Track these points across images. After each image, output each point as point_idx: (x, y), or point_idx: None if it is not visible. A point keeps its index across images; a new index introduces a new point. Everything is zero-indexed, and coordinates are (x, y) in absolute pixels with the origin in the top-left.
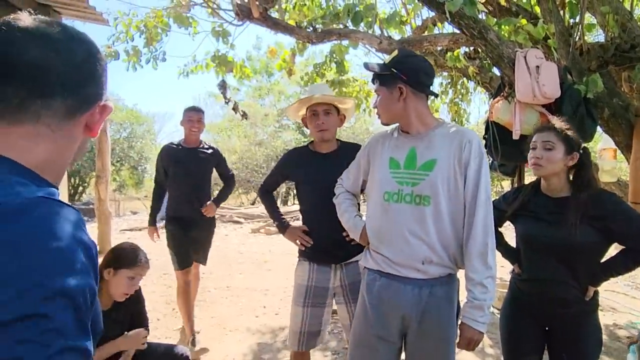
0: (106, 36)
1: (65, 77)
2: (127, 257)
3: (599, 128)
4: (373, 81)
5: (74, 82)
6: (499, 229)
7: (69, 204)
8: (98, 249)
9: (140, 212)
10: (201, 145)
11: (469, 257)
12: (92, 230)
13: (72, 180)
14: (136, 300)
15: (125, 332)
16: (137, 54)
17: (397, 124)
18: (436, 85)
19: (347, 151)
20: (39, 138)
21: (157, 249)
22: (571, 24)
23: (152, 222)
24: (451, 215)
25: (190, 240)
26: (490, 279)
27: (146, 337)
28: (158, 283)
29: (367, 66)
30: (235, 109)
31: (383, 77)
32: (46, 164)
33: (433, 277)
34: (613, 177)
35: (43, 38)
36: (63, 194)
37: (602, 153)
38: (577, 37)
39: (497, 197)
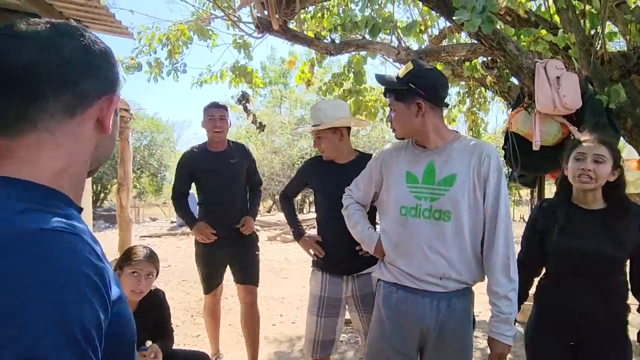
0: (130, 49)
1: (53, 75)
2: (127, 255)
3: (621, 139)
4: (386, 94)
5: (64, 78)
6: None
7: (73, 229)
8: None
9: (159, 218)
10: (228, 147)
11: (492, 271)
12: (113, 236)
13: (94, 187)
14: (158, 306)
15: (148, 342)
16: (159, 66)
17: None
18: (453, 94)
19: (365, 162)
20: (42, 145)
21: (175, 256)
22: (592, 33)
23: (194, 219)
24: (471, 230)
25: (222, 260)
26: (513, 291)
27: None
28: (177, 290)
29: (381, 79)
30: (254, 121)
31: (399, 91)
32: (59, 174)
33: (451, 290)
34: (637, 188)
35: (29, 39)
36: (86, 201)
37: (626, 164)
38: (599, 47)
39: (524, 231)
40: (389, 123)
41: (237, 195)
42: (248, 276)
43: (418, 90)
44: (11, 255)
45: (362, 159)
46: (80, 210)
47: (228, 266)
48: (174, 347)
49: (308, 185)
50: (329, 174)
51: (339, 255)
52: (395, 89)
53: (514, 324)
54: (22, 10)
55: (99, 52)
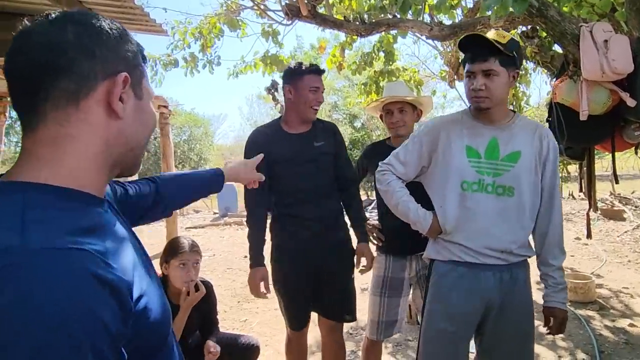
0: (166, 46)
1: (50, 61)
2: (172, 248)
3: None
4: (484, 59)
5: (60, 63)
6: None
7: (80, 243)
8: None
9: (202, 210)
10: (313, 128)
11: (550, 245)
12: (160, 229)
13: None
14: (207, 296)
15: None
16: (194, 60)
17: (464, 110)
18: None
19: None
20: (55, 140)
21: (219, 245)
22: None
23: (256, 261)
24: (531, 206)
25: (311, 284)
26: (563, 262)
27: (215, 353)
28: (223, 277)
29: (489, 41)
30: (282, 111)
31: (504, 57)
32: (76, 169)
33: (512, 262)
34: None
35: (28, 34)
36: None
37: None
38: None
39: None
40: (475, 92)
41: (326, 190)
42: (343, 308)
43: (517, 61)
44: (14, 279)
45: None
46: (101, 202)
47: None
48: (224, 331)
49: (368, 171)
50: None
51: (401, 236)
52: (502, 53)
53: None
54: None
55: (98, 33)
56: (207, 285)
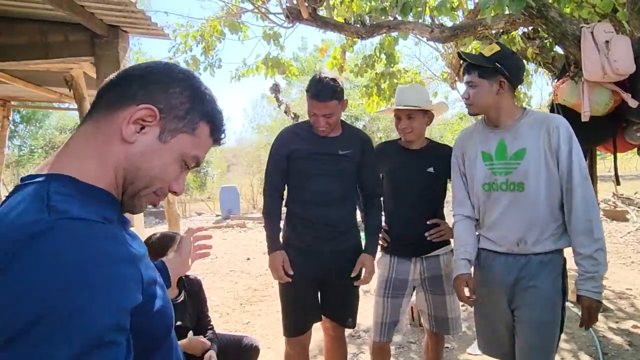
0: (167, 48)
1: (118, 78)
2: (154, 249)
3: None
4: (467, 71)
5: (122, 81)
6: None
7: (104, 219)
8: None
9: (204, 212)
10: (342, 135)
11: (574, 234)
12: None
13: None
14: (196, 295)
15: (190, 333)
16: (196, 63)
17: (479, 119)
18: None
19: (435, 150)
20: (89, 137)
21: (222, 248)
22: None
23: (274, 245)
24: (549, 198)
25: (316, 288)
26: (600, 251)
27: (206, 350)
28: (225, 280)
29: (469, 56)
30: (287, 111)
31: (485, 69)
32: (97, 170)
33: (529, 252)
34: None
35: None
36: None
37: None
38: None
39: None
40: (464, 99)
41: (344, 196)
42: (345, 313)
43: (503, 70)
44: (47, 245)
45: (433, 146)
46: (117, 201)
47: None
48: (225, 332)
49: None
50: (401, 159)
51: (406, 238)
52: (481, 66)
53: (601, 281)
54: (68, 21)
55: (165, 75)
56: (198, 280)
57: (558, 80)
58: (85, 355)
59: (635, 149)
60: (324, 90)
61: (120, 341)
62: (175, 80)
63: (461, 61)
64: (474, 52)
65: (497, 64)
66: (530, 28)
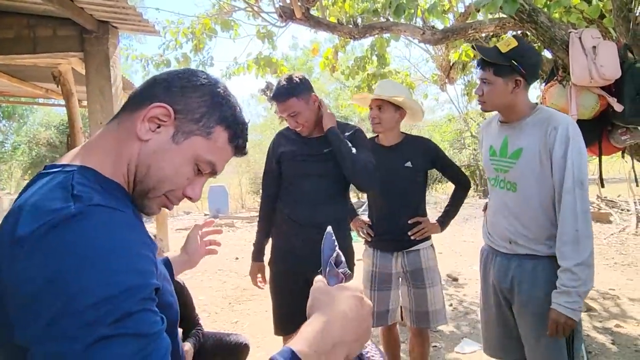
0: (157, 45)
1: (147, 82)
2: None
3: None
4: (482, 67)
5: (149, 85)
6: None
7: (126, 208)
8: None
9: (192, 211)
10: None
11: (559, 242)
12: (150, 230)
13: None
14: (179, 292)
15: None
16: (187, 61)
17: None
18: None
19: (411, 145)
20: (108, 134)
21: None
22: None
23: (256, 256)
24: (542, 202)
25: (304, 289)
26: (581, 266)
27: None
28: (214, 279)
29: (484, 51)
30: (277, 111)
31: (500, 66)
32: (116, 166)
33: (521, 253)
34: None
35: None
36: None
37: None
38: (638, 12)
39: None
40: (477, 95)
41: (332, 198)
42: None
43: (520, 68)
44: (74, 231)
45: (408, 141)
46: (130, 196)
47: None
48: (214, 330)
49: None
50: (377, 157)
51: (389, 233)
52: (496, 64)
53: (580, 298)
54: (57, 15)
55: (188, 82)
56: (179, 285)
57: (546, 83)
58: (118, 323)
59: (620, 152)
60: (278, 91)
61: (153, 309)
62: (198, 84)
63: (451, 57)
64: (467, 52)
65: (513, 61)
66: (519, 32)
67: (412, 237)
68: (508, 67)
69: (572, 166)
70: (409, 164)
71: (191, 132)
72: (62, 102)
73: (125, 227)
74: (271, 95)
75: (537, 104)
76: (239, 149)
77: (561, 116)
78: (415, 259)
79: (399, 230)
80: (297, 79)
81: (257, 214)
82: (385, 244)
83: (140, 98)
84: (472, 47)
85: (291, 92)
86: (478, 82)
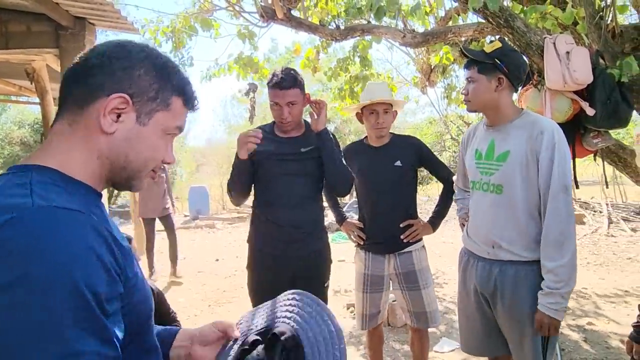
0: None
1: (79, 70)
2: None
3: (635, 112)
4: (468, 67)
5: (83, 73)
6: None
7: (85, 209)
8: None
9: (171, 212)
10: (305, 133)
11: (543, 245)
12: (128, 231)
13: None
14: (157, 295)
15: None
16: None
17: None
18: (461, 76)
19: (399, 143)
20: (61, 136)
21: (190, 249)
22: (602, 6)
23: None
24: (526, 205)
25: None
26: (563, 268)
27: None
28: (194, 281)
29: (469, 51)
30: (251, 117)
31: (484, 65)
32: (78, 165)
33: (504, 259)
34: None
35: (94, 49)
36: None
37: (638, 138)
38: (609, 20)
39: None
40: (462, 95)
41: (310, 202)
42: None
43: (503, 66)
44: (22, 228)
45: (397, 140)
46: (99, 195)
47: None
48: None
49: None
50: (368, 158)
51: (380, 235)
52: (480, 62)
53: (563, 299)
54: (31, 10)
55: (130, 59)
56: (153, 292)
57: (522, 87)
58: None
59: (592, 155)
60: (285, 78)
61: (95, 327)
62: (138, 61)
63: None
64: (447, 56)
65: (496, 60)
66: (497, 36)
67: (404, 240)
68: (491, 65)
69: (558, 171)
70: (398, 163)
71: (152, 110)
72: (37, 100)
73: (80, 230)
74: (272, 82)
75: (522, 108)
76: (194, 106)
77: (547, 121)
78: (408, 260)
79: (390, 232)
80: (301, 75)
81: (238, 215)
82: (377, 247)
83: (85, 92)
84: (460, 48)
85: (296, 82)
86: (463, 83)
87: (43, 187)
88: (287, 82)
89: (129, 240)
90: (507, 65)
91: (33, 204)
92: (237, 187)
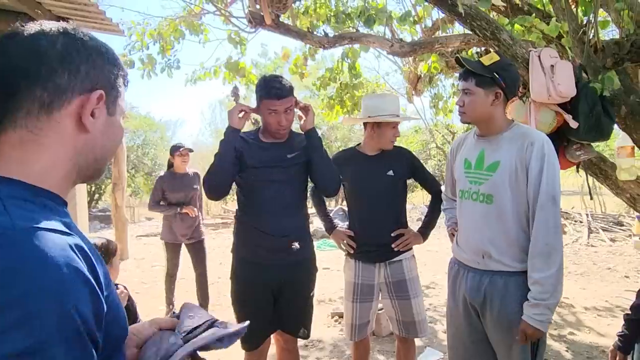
0: (122, 46)
1: (27, 70)
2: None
3: (616, 126)
4: (464, 78)
5: (36, 74)
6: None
7: (63, 227)
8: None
9: (154, 217)
10: (289, 139)
11: (530, 255)
12: (109, 236)
13: (89, 187)
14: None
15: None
16: (152, 62)
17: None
18: (448, 86)
19: (392, 153)
20: (24, 144)
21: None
22: (585, 21)
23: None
24: (515, 216)
25: (271, 300)
26: (549, 279)
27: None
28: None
29: (468, 62)
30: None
31: (482, 78)
32: (45, 173)
33: (494, 270)
34: (632, 175)
35: (13, 38)
36: (81, 202)
37: (620, 151)
38: (592, 35)
39: None
40: (458, 106)
41: (298, 201)
42: (299, 324)
43: (500, 81)
44: (6, 252)
45: (389, 150)
46: (65, 204)
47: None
48: None
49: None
50: (360, 166)
51: (371, 244)
52: (478, 75)
53: (549, 310)
54: (11, 9)
55: (88, 50)
56: (131, 309)
57: None
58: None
59: (574, 167)
60: (283, 88)
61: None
62: (92, 52)
63: (419, 70)
64: (435, 65)
65: (495, 74)
66: (483, 48)
67: (395, 249)
68: (490, 79)
69: (547, 182)
70: (390, 172)
71: (116, 97)
72: None
73: (61, 252)
74: (271, 92)
75: (513, 120)
76: (127, 83)
77: (537, 133)
78: (399, 269)
79: (381, 241)
80: (288, 80)
81: (222, 221)
82: (367, 255)
83: (50, 95)
84: (457, 58)
85: (291, 90)
86: (451, 93)
87: (15, 202)
88: (286, 91)
89: (115, 245)
90: (504, 80)
91: (14, 226)
92: (220, 174)
